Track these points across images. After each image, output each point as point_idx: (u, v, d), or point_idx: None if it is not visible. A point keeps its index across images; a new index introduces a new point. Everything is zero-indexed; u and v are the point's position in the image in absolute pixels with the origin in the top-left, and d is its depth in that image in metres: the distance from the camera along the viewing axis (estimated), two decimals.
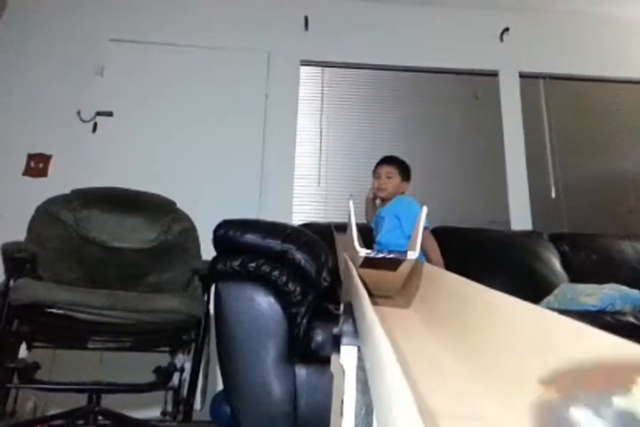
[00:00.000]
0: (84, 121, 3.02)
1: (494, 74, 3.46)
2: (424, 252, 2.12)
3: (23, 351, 1.95)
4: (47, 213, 2.24)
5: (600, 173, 3.36)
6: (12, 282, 1.79)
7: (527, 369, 0.44)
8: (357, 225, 1.08)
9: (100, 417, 1.90)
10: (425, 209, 1.03)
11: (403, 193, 2.38)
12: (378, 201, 2.47)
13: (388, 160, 2.45)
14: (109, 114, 3.05)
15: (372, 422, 0.61)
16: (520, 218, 3.13)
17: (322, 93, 3.33)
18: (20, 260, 1.89)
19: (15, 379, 1.84)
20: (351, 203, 1.19)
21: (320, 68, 3.37)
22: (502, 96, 3.41)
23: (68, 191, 2.39)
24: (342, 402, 0.64)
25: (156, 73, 3.21)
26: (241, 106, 3.20)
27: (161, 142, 3.06)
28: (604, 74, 3.51)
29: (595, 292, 1.90)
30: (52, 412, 2.06)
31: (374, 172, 2.44)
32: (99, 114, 3.04)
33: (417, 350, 0.65)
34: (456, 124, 3.36)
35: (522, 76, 3.46)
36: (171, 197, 2.50)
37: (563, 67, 3.50)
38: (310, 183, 3.14)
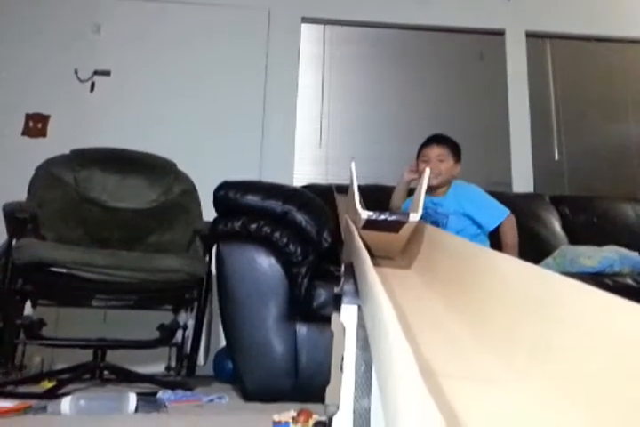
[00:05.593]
0: (81, 80, 2.97)
1: (500, 33, 3.37)
2: (501, 234, 1.99)
3: (28, 309, 1.99)
4: (47, 174, 2.24)
5: (604, 135, 3.32)
6: (14, 242, 1.81)
7: (525, 328, 0.45)
8: (359, 187, 1.08)
9: (105, 372, 1.96)
10: (428, 171, 1.03)
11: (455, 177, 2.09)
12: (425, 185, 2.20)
13: (437, 140, 2.09)
14: (107, 73, 2.99)
15: (371, 378, 0.63)
16: (522, 180, 3.12)
17: (324, 52, 3.25)
18: (22, 220, 1.90)
19: (22, 335, 1.88)
20: (353, 165, 1.18)
21: (322, 26, 3.28)
22: (508, 56, 3.33)
23: (67, 151, 2.38)
24: (342, 358, 0.66)
25: (153, 31, 3.12)
26: (241, 64, 3.13)
27: (160, 102, 3.01)
28: (611, 33, 3.42)
29: (594, 254, 1.92)
30: (59, 367, 2.11)
31: (420, 154, 2.09)
32: (96, 73, 2.98)
33: (417, 309, 0.66)
34: (460, 85, 3.29)
35: (528, 35, 3.37)
36: (170, 158, 2.49)
37: (570, 26, 3.40)
38: (311, 145, 3.11)
